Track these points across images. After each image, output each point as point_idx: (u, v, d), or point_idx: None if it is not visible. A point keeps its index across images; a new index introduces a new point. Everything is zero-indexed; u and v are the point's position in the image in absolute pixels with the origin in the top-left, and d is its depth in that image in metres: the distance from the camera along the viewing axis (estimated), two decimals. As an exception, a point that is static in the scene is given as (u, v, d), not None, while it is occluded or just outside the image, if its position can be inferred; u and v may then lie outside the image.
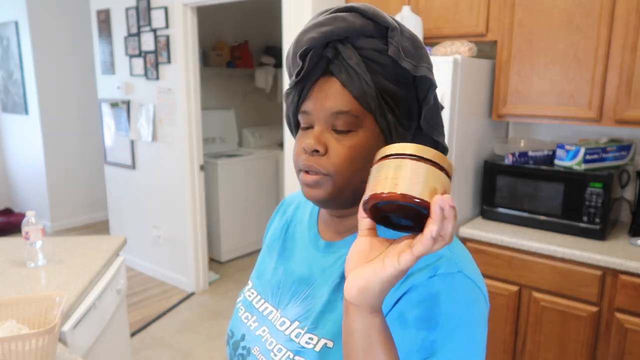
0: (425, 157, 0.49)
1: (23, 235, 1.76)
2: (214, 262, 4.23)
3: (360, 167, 0.66)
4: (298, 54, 0.65)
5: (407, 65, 0.64)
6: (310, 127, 0.68)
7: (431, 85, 0.67)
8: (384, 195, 0.49)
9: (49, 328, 1.12)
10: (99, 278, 1.80)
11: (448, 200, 0.45)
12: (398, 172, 0.49)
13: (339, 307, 0.68)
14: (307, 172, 0.67)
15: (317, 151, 0.66)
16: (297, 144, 0.70)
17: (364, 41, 0.65)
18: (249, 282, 0.88)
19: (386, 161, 0.51)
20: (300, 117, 0.69)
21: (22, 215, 5.03)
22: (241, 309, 0.83)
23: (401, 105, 0.66)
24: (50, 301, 1.27)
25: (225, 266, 4.21)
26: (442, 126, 0.71)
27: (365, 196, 0.51)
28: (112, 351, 1.87)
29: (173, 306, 3.47)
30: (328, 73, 0.66)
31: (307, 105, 0.67)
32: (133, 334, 3.06)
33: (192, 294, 3.66)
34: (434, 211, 0.46)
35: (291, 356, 0.69)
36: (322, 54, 0.65)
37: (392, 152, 0.50)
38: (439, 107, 0.70)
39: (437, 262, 0.63)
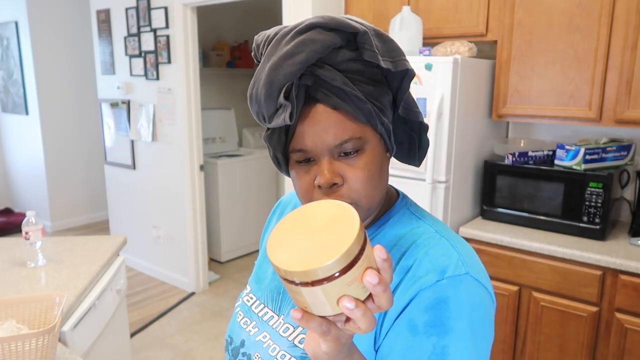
0: (318, 278, 0.46)
1: (23, 235, 1.76)
2: (214, 262, 4.23)
3: (377, 180, 0.65)
4: (282, 95, 0.60)
5: (388, 65, 0.62)
6: (308, 159, 0.64)
7: (406, 73, 0.65)
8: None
9: (49, 328, 1.11)
10: (99, 278, 1.80)
11: (350, 308, 0.47)
12: (301, 299, 0.49)
13: None
14: None
15: (335, 184, 0.63)
16: (300, 180, 0.66)
17: (336, 55, 0.61)
18: (247, 286, 0.86)
19: (290, 286, 0.48)
20: (294, 155, 0.65)
21: (22, 215, 5.03)
22: (240, 314, 0.82)
23: (384, 103, 0.65)
24: (50, 301, 1.27)
25: (225, 266, 4.21)
26: (415, 105, 0.69)
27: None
28: (112, 351, 1.87)
29: (173, 306, 3.47)
30: (311, 101, 0.62)
31: (303, 143, 0.63)
32: (133, 334, 3.06)
33: (192, 294, 3.65)
34: (352, 316, 0.48)
35: None
36: (299, 84, 0.61)
37: (296, 281, 0.47)
38: (408, 88, 0.68)
39: (444, 263, 0.63)
